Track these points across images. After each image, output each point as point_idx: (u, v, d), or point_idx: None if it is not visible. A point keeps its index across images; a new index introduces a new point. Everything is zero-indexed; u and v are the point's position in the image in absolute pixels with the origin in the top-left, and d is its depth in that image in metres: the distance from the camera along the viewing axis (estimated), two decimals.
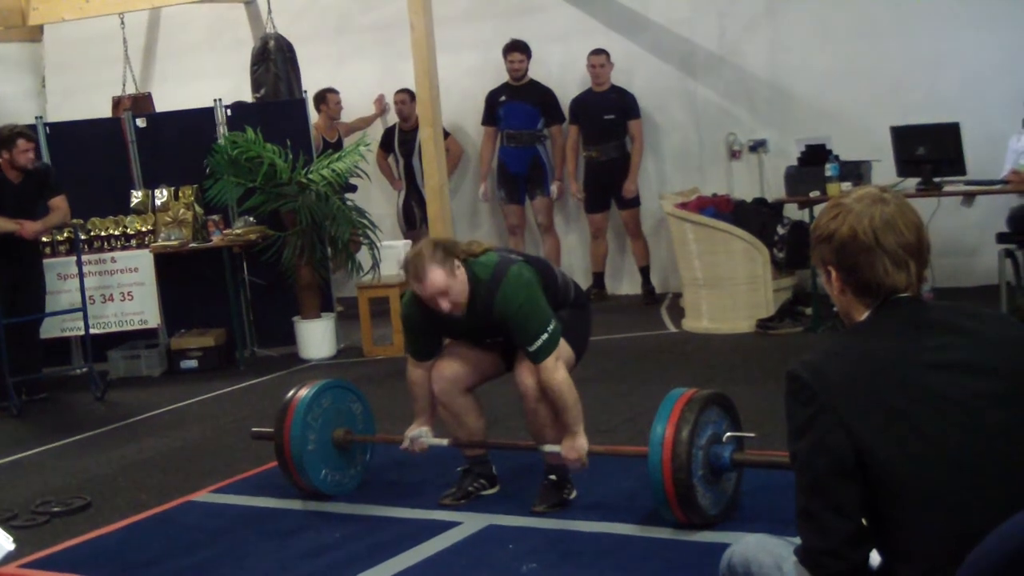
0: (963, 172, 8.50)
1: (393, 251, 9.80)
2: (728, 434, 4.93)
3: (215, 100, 10.26)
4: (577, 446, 5.15)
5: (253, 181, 9.61)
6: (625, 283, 11.55)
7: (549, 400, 5.13)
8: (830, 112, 10.20)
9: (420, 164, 10.74)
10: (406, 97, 11.47)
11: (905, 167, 8.66)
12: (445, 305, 5.08)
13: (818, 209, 8.35)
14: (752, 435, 5.08)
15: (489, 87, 11.31)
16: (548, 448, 5.25)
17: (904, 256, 2.64)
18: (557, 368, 5.08)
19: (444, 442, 5.54)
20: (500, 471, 5.69)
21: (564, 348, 5.20)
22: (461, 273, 5.12)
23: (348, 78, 11.99)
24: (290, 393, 5.77)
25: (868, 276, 2.65)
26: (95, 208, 9.94)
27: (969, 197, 8.77)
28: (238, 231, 9.84)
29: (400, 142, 11.71)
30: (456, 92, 10.98)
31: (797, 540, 2.69)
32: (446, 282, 5.05)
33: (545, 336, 5.06)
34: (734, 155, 10.87)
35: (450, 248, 5.17)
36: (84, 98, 12.38)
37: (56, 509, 6.05)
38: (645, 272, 11.07)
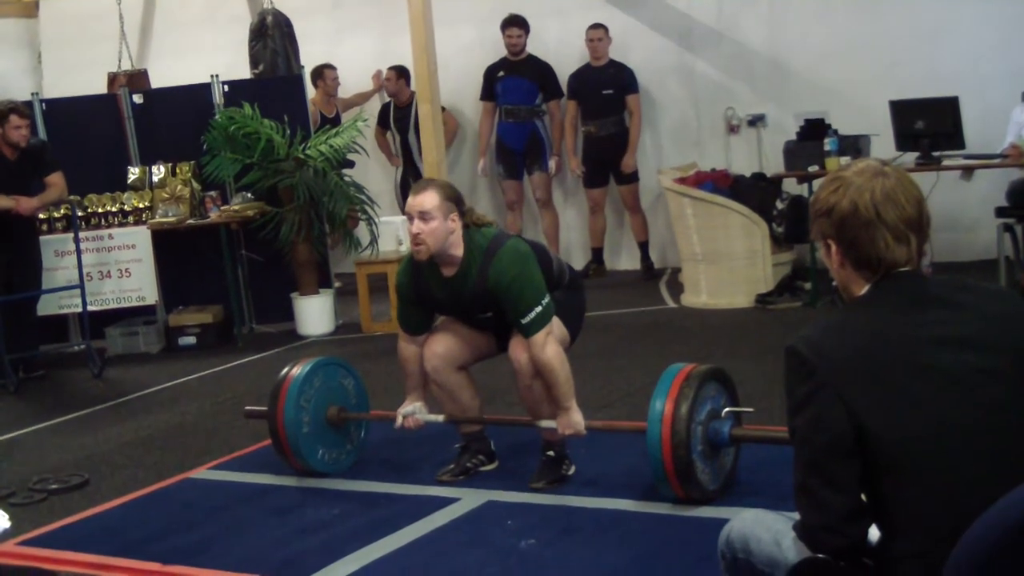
0: (962, 146, 8.49)
1: (391, 227, 9.79)
2: (727, 409, 4.93)
3: (212, 76, 10.23)
4: (572, 422, 5.14)
5: (250, 157, 9.59)
6: (624, 258, 11.55)
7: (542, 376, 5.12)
8: (829, 86, 10.17)
9: (417, 140, 10.74)
10: (393, 75, 11.45)
11: (904, 141, 8.64)
12: (418, 231, 5.02)
13: (817, 184, 8.33)
14: (751, 410, 5.08)
15: (487, 62, 11.28)
16: (545, 424, 5.24)
17: (905, 230, 2.62)
18: (547, 343, 5.05)
19: (439, 418, 5.52)
20: (498, 447, 5.69)
21: (557, 326, 5.18)
22: (455, 227, 5.09)
23: (345, 53, 11.97)
24: (281, 374, 5.74)
25: (868, 250, 2.63)
26: (92, 185, 9.93)
27: (968, 171, 8.76)
28: (236, 207, 9.82)
29: (395, 118, 11.68)
30: (453, 67, 10.94)
31: (795, 515, 2.69)
32: (434, 209, 5.02)
33: (538, 309, 5.03)
34: (732, 130, 10.86)
35: (461, 201, 5.18)
36: (80, 74, 12.33)
37: (54, 487, 6.05)
38: (644, 247, 11.07)
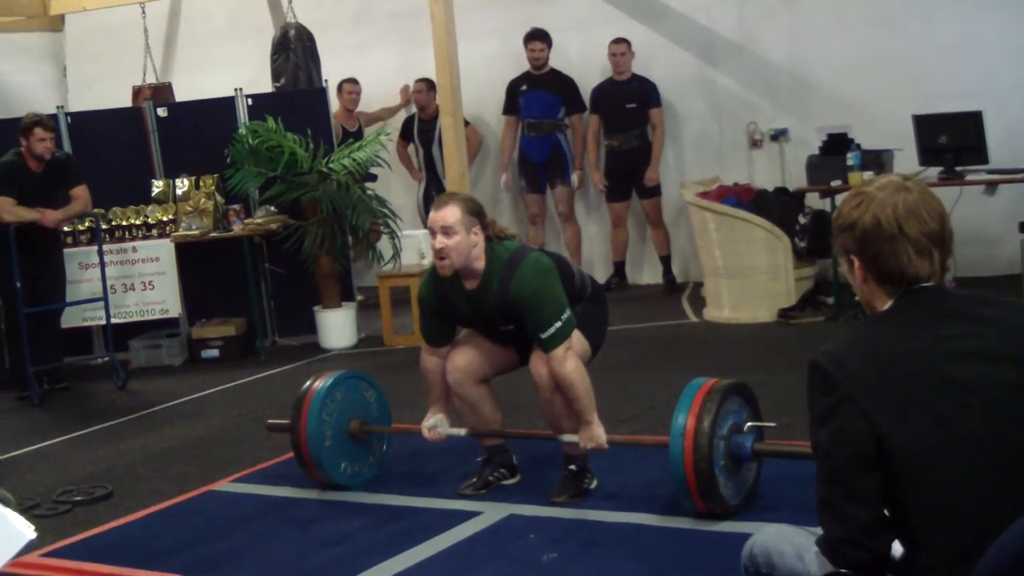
0: (985, 161, 8.47)
1: (413, 240, 9.81)
2: (749, 424, 4.92)
3: (236, 89, 10.27)
4: (594, 436, 5.13)
5: (274, 170, 9.62)
6: (646, 272, 11.54)
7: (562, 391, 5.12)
8: (851, 101, 10.15)
9: (440, 153, 10.75)
10: (424, 86, 11.48)
11: (927, 156, 8.63)
12: (441, 246, 5.02)
13: (840, 198, 8.31)
14: (772, 424, 5.07)
15: (509, 76, 11.29)
16: (567, 438, 5.24)
17: (927, 244, 2.62)
18: (568, 358, 5.04)
19: (461, 431, 5.52)
20: (520, 461, 5.68)
21: (578, 340, 5.17)
22: (478, 240, 5.10)
23: (368, 67, 11.99)
24: (303, 388, 5.76)
25: (891, 265, 2.64)
26: (116, 198, 9.98)
27: (991, 186, 8.73)
28: (259, 220, 9.86)
29: (419, 131, 11.70)
30: (476, 81, 10.95)
31: (818, 530, 2.69)
32: (457, 223, 5.02)
33: (558, 324, 5.03)
34: (755, 144, 10.84)
35: (482, 214, 5.17)
36: (105, 88, 12.41)
37: (78, 498, 6.08)
38: (666, 261, 11.06)
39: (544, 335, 5.04)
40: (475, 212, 5.13)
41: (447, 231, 5.04)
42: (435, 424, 5.52)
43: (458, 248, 5.05)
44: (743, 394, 4.99)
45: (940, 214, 2.66)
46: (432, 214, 5.14)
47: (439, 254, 5.08)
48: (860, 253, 2.69)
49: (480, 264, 5.15)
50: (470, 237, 5.07)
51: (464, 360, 5.41)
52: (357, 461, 5.80)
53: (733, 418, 4.87)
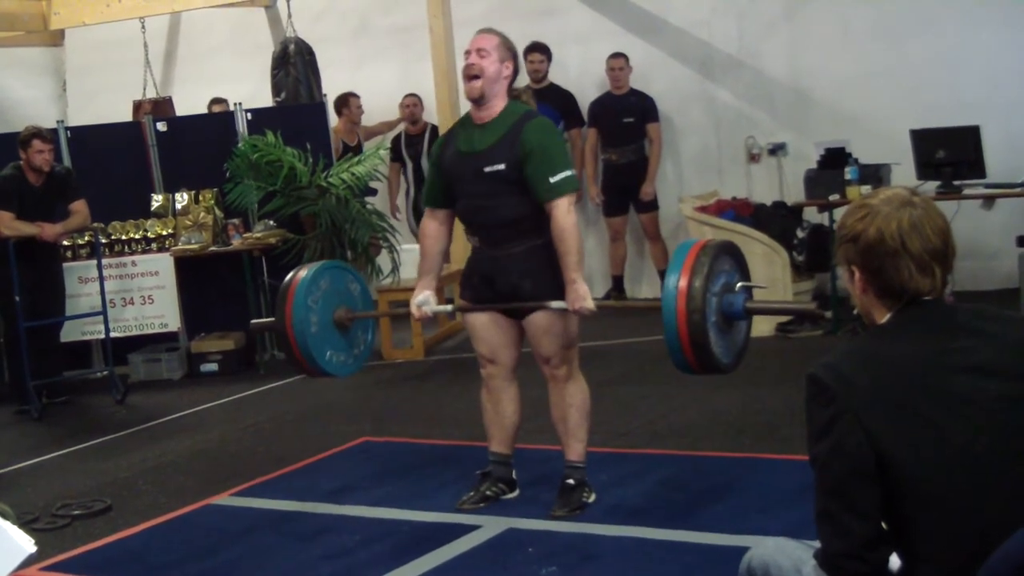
0: (983, 175, 8.48)
1: (413, 254, 9.77)
2: (740, 284, 4.91)
3: (235, 104, 10.28)
4: (580, 295, 5.23)
5: (273, 185, 9.63)
6: (644, 286, 11.53)
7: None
8: (849, 115, 10.16)
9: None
10: (415, 100, 11.46)
11: (925, 170, 8.64)
12: (473, 62, 5.18)
13: (838, 212, 8.33)
14: (764, 286, 5.04)
15: None
16: (555, 305, 5.25)
17: (929, 261, 2.62)
18: (570, 212, 5.15)
19: (448, 308, 5.50)
20: (519, 475, 5.67)
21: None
22: (508, 74, 5.27)
23: (367, 81, 11.99)
24: (287, 278, 5.65)
25: (892, 279, 2.64)
26: (116, 212, 9.96)
27: (989, 200, 8.74)
28: (258, 235, 9.86)
29: (407, 145, 11.63)
30: None
31: (816, 544, 2.69)
32: (493, 48, 5.23)
33: (567, 173, 5.15)
34: (753, 158, 10.85)
35: (517, 59, 5.39)
36: (105, 102, 12.43)
37: (77, 512, 6.07)
38: (664, 276, 11.04)
39: (554, 180, 5.11)
40: (512, 50, 5.34)
41: (482, 52, 5.22)
42: (423, 301, 5.46)
43: (488, 71, 5.20)
44: (734, 255, 4.96)
45: (944, 230, 2.66)
46: (472, 40, 5.30)
47: (470, 71, 5.21)
48: (862, 266, 2.69)
49: (499, 103, 5.26)
50: (501, 67, 5.24)
51: (494, 340, 5.43)
52: (342, 351, 5.68)
53: (725, 278, 4.83)
